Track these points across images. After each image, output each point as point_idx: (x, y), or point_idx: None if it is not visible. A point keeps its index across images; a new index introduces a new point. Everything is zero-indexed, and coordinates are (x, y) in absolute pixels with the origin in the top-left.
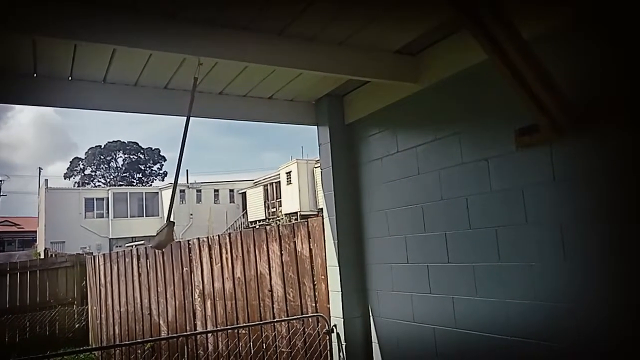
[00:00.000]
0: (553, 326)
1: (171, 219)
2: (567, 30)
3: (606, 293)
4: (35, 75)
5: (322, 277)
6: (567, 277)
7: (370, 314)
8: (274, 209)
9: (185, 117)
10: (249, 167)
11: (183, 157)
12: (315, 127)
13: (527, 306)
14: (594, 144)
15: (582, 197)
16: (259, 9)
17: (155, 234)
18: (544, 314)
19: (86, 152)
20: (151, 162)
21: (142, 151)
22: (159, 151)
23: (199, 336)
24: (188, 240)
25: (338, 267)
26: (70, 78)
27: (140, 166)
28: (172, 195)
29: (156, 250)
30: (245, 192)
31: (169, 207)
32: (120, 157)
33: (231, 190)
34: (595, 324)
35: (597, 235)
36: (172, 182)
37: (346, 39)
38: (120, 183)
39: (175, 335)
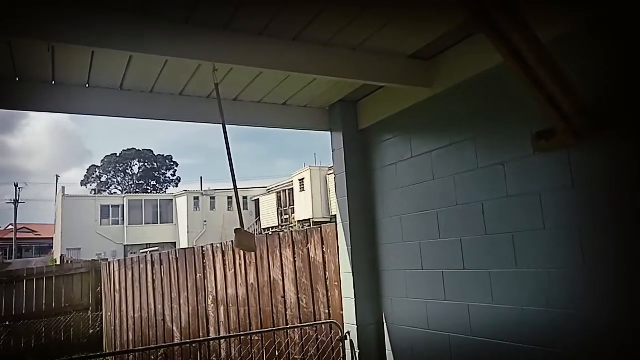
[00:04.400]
0: (571, 334)
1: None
2: (584, 33)
3: (627, 299)
4: (53, 82)
5: (336, 283)
6: (586, 283)
7: (384, 321)
8: (287, 216)
9: (220, 126)
10: (262, 174)
11: (233, 164)
12: (329, 132)
13: (545, 314)
14: (613, 148)
15: (602, 202)
16: (273, 14)
17: (235, 232)
18: (563, 321)
19: (102, 160)
20: (164, 169)
21: (156, 158)
22: (171, 157)
23: (212, 342)
24: (202, 247)
25: (352, 274)
26: (87, 85)
27: (155, 173)
28: (237, 205)
29: (171, 256)
30: (258, 199)
31: (239, 217)
32: (136, 164)
33: (245, 197)
34: (616, 331)
35: (618, 241)
36: (186, 189)
37: (360, 44)
38: (136, 190)
39: (188, 341)
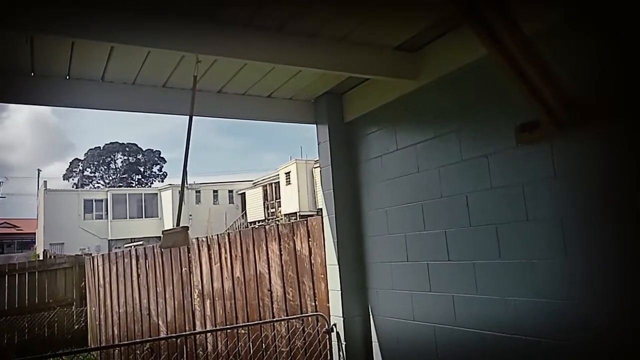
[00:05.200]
0: (554, 324)
1: (182, 223)
2: (571, 27)
3: (608, 290)
4: (32, 74)
5: (322, 276)
6: (568, 274)
7: (370, 313)
8: (273, 210)
9: (188, 117)
10: (248, 167)
11: (188, 158)
12: (315, 125)
13: (528, 304)
14: (595, 140)
15: (584, 194)
16: (258, 5)
17: (162, 234)
18: (545, 311)
19: (85, 153)
20: (150, 163)
21: (141, 153)
22: (159, 153)
23: (198, 336)
24: None
25: (338, 266)
26: (68, 77)
27: (140, 167)
28: (180, 197)
29: (156, 250)
30: (244, 193)
31: (179, 210)
32: (120, 158)
33: (230, 191)
34: (596, 321)
35: (599, 232)
36: (171, 183)
37: (346, 36)
38: (120, 184)
39: (174, 335)
